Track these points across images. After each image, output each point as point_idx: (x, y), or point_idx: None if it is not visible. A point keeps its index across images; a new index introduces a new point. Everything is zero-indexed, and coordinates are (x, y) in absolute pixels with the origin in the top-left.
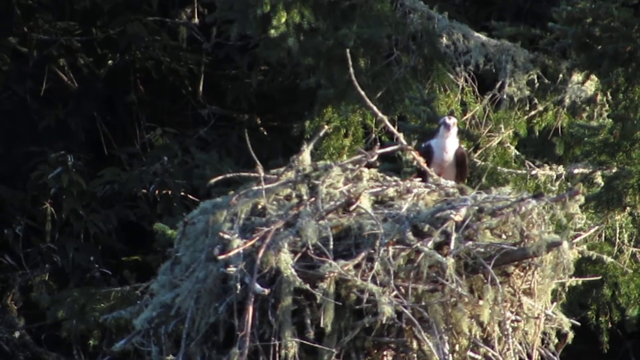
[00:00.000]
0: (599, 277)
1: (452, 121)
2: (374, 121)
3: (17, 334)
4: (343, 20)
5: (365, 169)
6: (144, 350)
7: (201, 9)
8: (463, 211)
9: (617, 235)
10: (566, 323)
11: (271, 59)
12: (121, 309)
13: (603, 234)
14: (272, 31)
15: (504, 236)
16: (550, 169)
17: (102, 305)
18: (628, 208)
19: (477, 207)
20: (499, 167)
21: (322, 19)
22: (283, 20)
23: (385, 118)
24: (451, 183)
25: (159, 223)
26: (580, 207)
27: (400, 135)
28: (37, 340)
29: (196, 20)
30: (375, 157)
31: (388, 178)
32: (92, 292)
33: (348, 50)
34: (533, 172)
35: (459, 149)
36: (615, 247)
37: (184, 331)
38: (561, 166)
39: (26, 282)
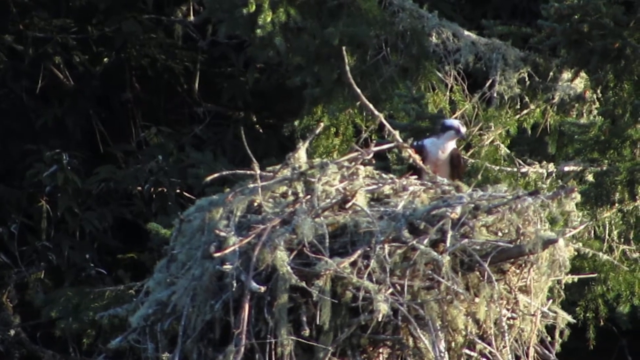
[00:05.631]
0: (595, 275)
1: (465, 130)
2: (363, 120)
3: (12, 332)
4: (330, 19)
5: (361, 167)
6: (139, 347)
7: (197, 7)
8: (459, 209)
9: (607, 232)
10: (564, 320)
11: (260, 58)
12: (116, 308)
13: (593, 232)
14: (259, 31)
15: (500, 234)
16: (541, 166)
17: (96, 304)
18: (617, 204)
19: (473, 205)
20: (489, 165)
21: (309, 18)
22: (269, 19)
23: (381, 115)
24: (446, 181)
25: (152, 222)
26: (576, 204)
27: (396, 133)
28: (33, 338)
29: (192, 18)
30: (371, 155)
31: (384, 175)
32: (86, 292)
33: (344, 48)
34: (523, 170)
35: (454, 150)
36: (605, 244)
37: (180, 329)
38: (552, 164)
39: (22, 280)
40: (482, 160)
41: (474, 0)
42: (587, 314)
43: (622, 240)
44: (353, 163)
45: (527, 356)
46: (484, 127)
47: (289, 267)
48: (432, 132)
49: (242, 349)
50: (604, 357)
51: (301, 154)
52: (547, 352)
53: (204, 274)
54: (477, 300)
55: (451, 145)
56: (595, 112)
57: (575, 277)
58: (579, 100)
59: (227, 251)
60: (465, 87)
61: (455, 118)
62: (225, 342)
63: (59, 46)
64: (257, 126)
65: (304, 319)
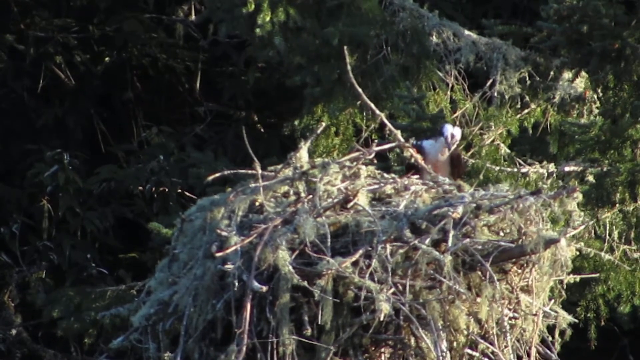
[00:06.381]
0: (597, 275)
1: (454, 140)
2: (364, 120)
3: (14, 332)
4: (330, 19)
5: (363, 166)
6: (141, 347)
7: (198, 6)
8: (461, 208)
9: (607, 232)
10: (566, 320)
11: (260, 58)
12: (117, 307)
13: (593, 232)
14: (258, 30)
15: (501, 233)
16: (542, 166)
17: (98, 304)
18: (618, 205)
19: (474, 205)
20: (489, 166)
21: (308, 17)
22: (267, 19)
23: (382, 115)
24: (448, 180)
25: (153, 222)
26: (577, 204)
27: (398, 133)
28: (34, 338)
29: (193, 17)
30: (373, 154)
31: (386, 175)
32: (88, 292)
33: (346, 48)
34: (523, 170)
35: (454, 150)
36: (606, 244)
37: (182, 328)
38: (552, 164)
39: (23, 279)
40: (483, 160)
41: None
42: (588, 314)
43: (623, 240)
44: (355, 163)
45: (529, 356)
46: (485, 126)
47: (290, 267)
48: (432, 133)
49: (244, 349)
50: (605, 356)
51: (303, 154)
52: (548, 352)
53: (205, 273)
54: (478, 300)
55: (446, 150)
56: (595, 112)
57: (577, 277)
58: (579, 100)
59: (228, 251)
60: (466, 87)
61: (456, 117)
62: (227, 341)
63: (60, 46)
64: (259, 125)
65: (306, 318)
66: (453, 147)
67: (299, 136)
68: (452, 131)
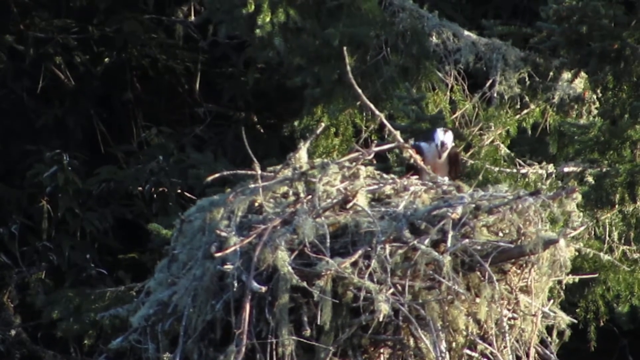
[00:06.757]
0: (596, 275)
1: (445, 147)
2: (363, 121)
3: (13, 332)
4: (330, 20)
5: (362, 167)
6: (140, 348)
7: (197, 7)
8: (460, 209)
9: (607, 233)
10: (564, 321)
11: (260, 59)
12: (117, 308)
13: (593, 232)
14: (258, 31)
15: (500, 234)
16: (541, 167)
17: (97, 305)
18: (617, 206)
19: (474, 205)
20: (488, 166)
21: (308, 18)
22: (267, 19)
23: (382, 115)
24: (447, 180)
25: (153, 223)
26: (576, 205)
27: (398, 133)
28: (34, 338)
29: (192, 18)
30: (372, 155)
31: (385, 176)
32: (87, 293)
33: (345, 49)
34: (523, 171)
35: (452, 149)
36: (605, 245)
37: (181, 329)
38: (551, 165)
39: (22, 280)
40: (482, 160)
41: (475, 0)
42: (588, 315)
43: (622, 241)
44: (354, 163)
45: (528, 356)
46: (484, 127)
47: (290, 267)
48: (425, 136)
49: (243, 349)
50: (605, 357)
51: (302, 154)
52: (547, 352)
53: (205, 274)
54: (478, 300)
55: (438, 155)
56: (595, 112)
57: (576, 278)
58: (578, 100)
59: (228, 251)
60: (466, 87)
61: (456, 118)
62: (226, 342)
63: (59, 46)
64: (258, 126)
65: (305, 319)
66: (445, 153)
67: (299, 137)
68: (443, 138)
